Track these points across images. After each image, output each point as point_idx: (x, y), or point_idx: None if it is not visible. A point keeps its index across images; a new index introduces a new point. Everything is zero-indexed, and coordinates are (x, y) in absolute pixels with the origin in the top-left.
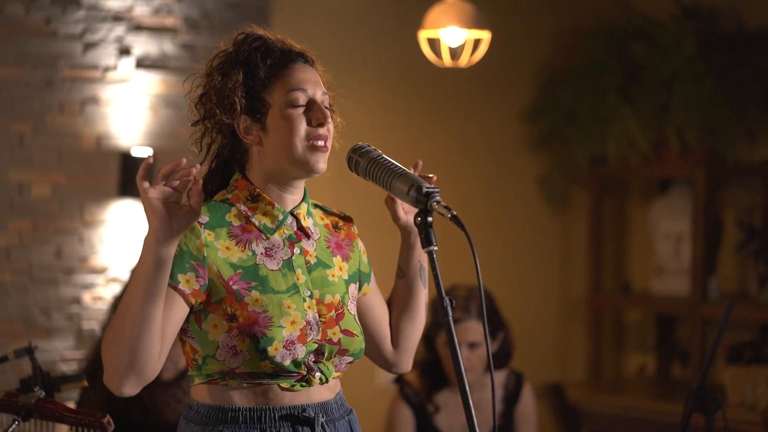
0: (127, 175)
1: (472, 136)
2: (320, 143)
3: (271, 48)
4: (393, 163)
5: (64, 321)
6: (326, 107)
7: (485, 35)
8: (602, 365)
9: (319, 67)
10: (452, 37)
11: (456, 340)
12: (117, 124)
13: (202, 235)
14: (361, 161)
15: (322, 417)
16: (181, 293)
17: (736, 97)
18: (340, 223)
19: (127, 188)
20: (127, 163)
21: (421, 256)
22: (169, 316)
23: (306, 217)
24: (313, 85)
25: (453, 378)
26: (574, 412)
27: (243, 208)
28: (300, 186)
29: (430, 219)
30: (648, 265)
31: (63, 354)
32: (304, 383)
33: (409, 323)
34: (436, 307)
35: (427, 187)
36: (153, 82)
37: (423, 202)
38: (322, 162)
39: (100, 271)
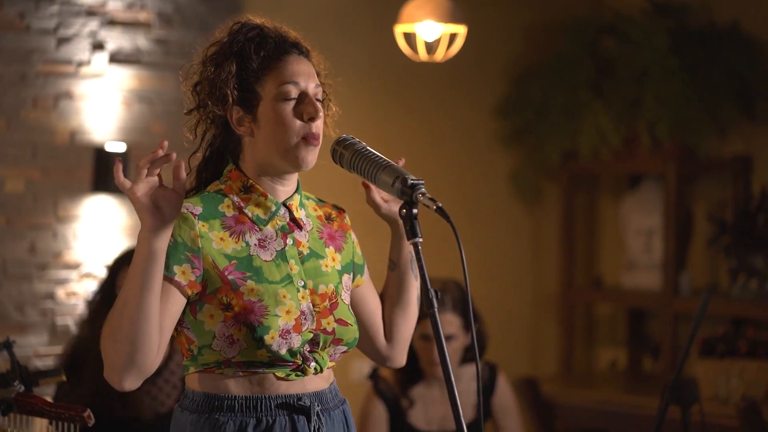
0: (101, 170)
1: (444, 131)
2: (312, 140)
3: (266, 39)
4: (377, 155)
5: (38, 316)
6: (318, 99)
7: (461, 29)
8: (574, 359)
9: (315, 57)
10: (428, 31)
11: (441, 332)
12: (91, 119)
13: (196, 226)
14: (345, 153)
15: (318, 406)
16: (178, 285)
17: (707, 93)
18: (333, 215)
19: (101, 183)
20: (101, 158)
21: (411, 248)
22: (166, 309)
23: (298, 209)
24: (305, 77)
25: (428, 372)
26: (548, 406)
27: (236, 199)
28: (292, 178)
29: (415, 211)
30: (619, 260)
31: (37, 350)
32: (299, 372)
33: (401, 316)
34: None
35: (412, 179)
36: (126, 77)
37: (408, 194)
38: (311, 157)
39: (74, 266)
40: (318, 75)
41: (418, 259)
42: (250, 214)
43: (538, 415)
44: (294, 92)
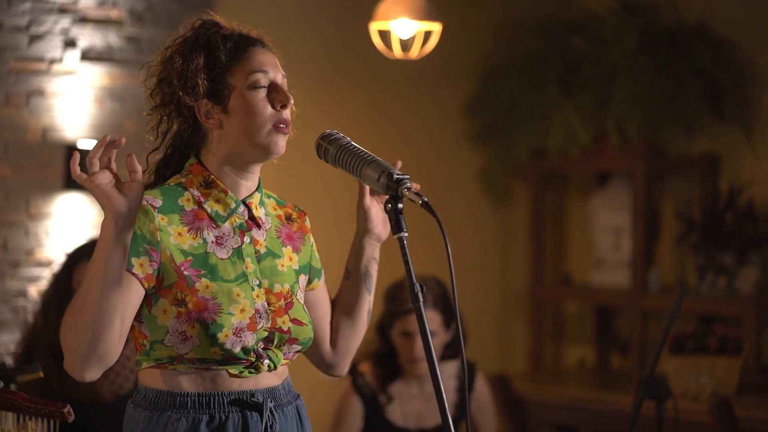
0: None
1: (414, 129)
2: (283, 126)
3: (230, 33)
4: (363, 150)
5: (10, 314)
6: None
7: (436, 27)
8: (543, 357)
9: (276, 53)
10: (403, 29)
11: (427, 327)
12: (63, 117)
13: (155, 219)
14: (330, 148)
15: (271, 402)
16: (135, 277)
17: (675, 91)
18: (294, 215)
19: (73, 181)
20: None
21: (369, 263)
22: (127, 301)
23: (258, 207)
24: (273, 67)
25: (408, 368)
26: (519, 402)
27: (196, 193)
28: (256, 172)
29: (400, 205)
30: (588, 258)
31: (9, 347)
32: (252, 370)
33: (349, 326)
34: (390, 297)
35: (397, 174)
36: (98, 75)
37: (394, 189)
38: (281, 143)
39: (46, 264)
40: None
41: (404, 254)
42: (209, 210)
43: (510, 412)
44: (264, 80)
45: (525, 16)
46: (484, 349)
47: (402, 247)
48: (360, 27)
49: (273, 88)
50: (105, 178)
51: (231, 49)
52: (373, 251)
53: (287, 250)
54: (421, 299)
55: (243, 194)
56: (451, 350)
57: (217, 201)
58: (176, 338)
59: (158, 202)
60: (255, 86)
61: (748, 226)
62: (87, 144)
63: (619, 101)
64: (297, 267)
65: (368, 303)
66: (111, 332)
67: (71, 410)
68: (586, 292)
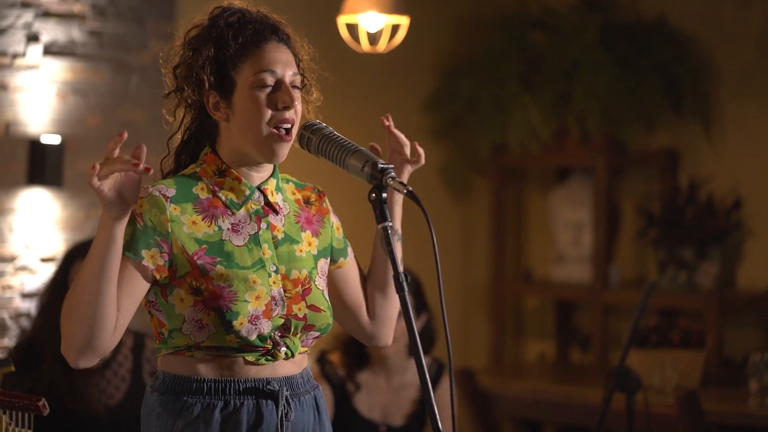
0: (36, 163)
1: (375, 124)
2: (284, 129)
3: (245, 25)
4: (346, 140)
5: None
6: (297, 87)
7: (404, 20)
8: (504, 351)
9: (296, 43)
10: (371, 22)
11: (412, 315)
12: (25, 112)
13: (167, 210)
14: (313, 138)
15: (287, 391)
16: (144, 269)
17: (635, 86)
18: (312, 198)
19: (36, 176)
20: (36, 150)
21: (396, 225)
22: (129, 292)
23: (274, 193)
24: (282, 65)
25: (375, 356)
26: (484, 396)
27: (210, 182)
28: (267, 165)
29: (384, 195)
30: (548, 253)
31: None
32: (269, 357)
33: (380, 293)
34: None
35: (381, 164)
36: (61, 69)
37: (378, 178)
38: (282, 150)
39: (9, 259)
40: (300, 61)
41: (388, 243)
42: (223, 198)
43: (475, 406)
44: (270, 80)
45: (485, 11)
46: (445, 343)
47: (386, 236)
48: (326, 20)
49: (277, 87)
50: (112, 183)
51: (242, 44)
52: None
53: (306, 235)
54: (406, 288)
55: (256, 182)
56: (421, 345)
57: (231, 189)
58: (193, 326)
59: (171, 192)
60: (260, 85)
61: (708, 221)
62: (50, 139)
63: (579, 97)
64: (316, 252)
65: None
66: (105, 324)
67: (46, 403)
68: (547, 287)
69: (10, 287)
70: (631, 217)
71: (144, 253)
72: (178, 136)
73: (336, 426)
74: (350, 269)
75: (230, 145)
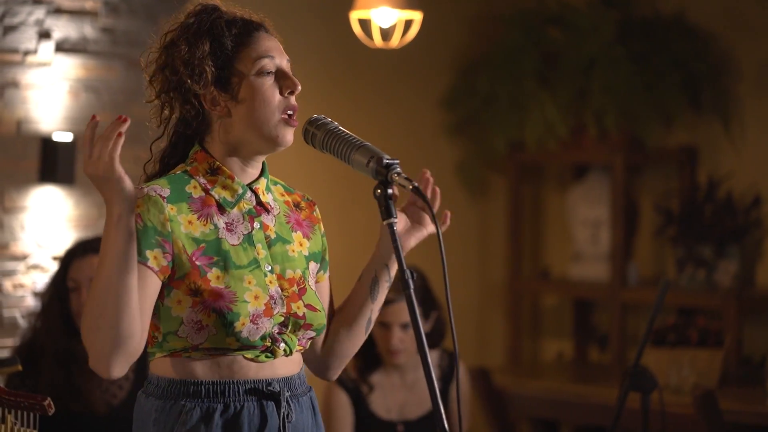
0: (48, 161)
1: (390, 121)
2: (290, 115)
3: (233, 18)
4: (351, 135)
5: None
6: None
7: (417, 16)
8: (521, 350)
9: (278, 37)
10: (384, 17)
11: (417, 312)
12: (37, 109)
13: (165, 209)
14: (318, 133)
15: (287, 392)
16: (151, 270)
17: (653, 83)
18: (302, 204)
19: (48, 174)
20: (48, 148)
21: (380, 270)
22: (145, 293)
23: (265, 192)
24: (278, 52)
25: (386, 359)
26: (500, 395)
27: (202, 180)
28: (260, 160)
29: (390, 191)
30: (566, 251)
31: None
32: (269, 354)
33: (346, 331)
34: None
35: (387, 159)
36: (73, 66)
37: (383, 174)
38: (289, 136)
39: (21, 258)
40: None
41: (394, 240)
42: (216, 196)
43: (491, 405)
44: (271, 66)
45: (502, 7)
46: (461, 342)
47: (392, 233)
48: (339, 17)
49: (280, 75)
50: (114, 170)
51: (236, 35)
52: (384, 257)
53: (297, 236)
54: (411, 285)
55: (247, 180)
56: (431, 340)
57: (224, 187)
58: (191, 328)
59: (166, 192)
60: (263, 72)
61: (727, 219)
62: (62, 136)
63: (596, 93)
64: (307, 253)
65: (370, 311)
66: (134, 325)
67: (51, 402)
68: (565, 285)
69: (21, 286)
70: (649, 214)
71: (148, 254)
72: (163, 141)
73: (355, 431)
74: (324, 287)
75: (227, 139)
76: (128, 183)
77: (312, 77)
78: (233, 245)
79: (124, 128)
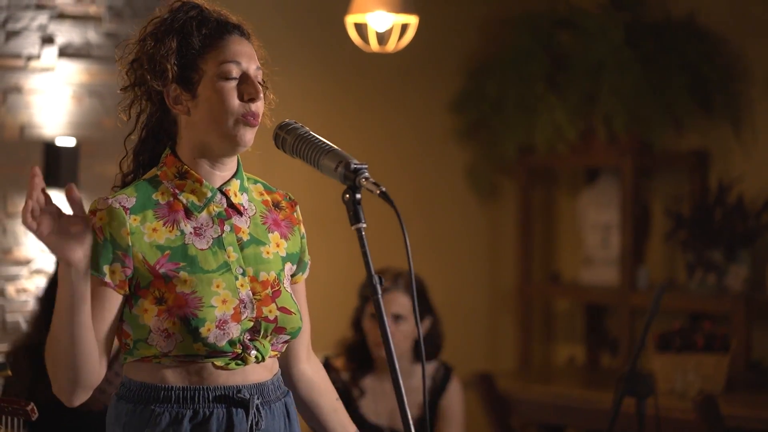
0: (52, 166)
1: (399, 126)
2: (250, 118)
3: (207, 17)
4: (321, 140)
5: None
6: (260, 83)
7: (413, 20)
8: (531, 355)
9: (255, 42)
10: (379, 21)
11: (386, 320)
12: (40, 114)
13: (127, 222)
14: (288, 138)
15: (258, 398)
16: (108, 285)
17: (663, 86)
18: (283, 204)
19: (52, 178)
20: (51, 153)
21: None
22: (103, 317)
23: (238, 193)
24: (247, 58)
25: (376, 354)
26: (503, 400)
27: (170, 185)
28: (230, 162)
29: (358, 196)
30: (577, 255)
31: None
32: (239, 361)
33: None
34: (365, 283)
35: (355, 164)
36: (76, 71)
37: (351, 179)
38: (249, 136)
39: (24, 262)
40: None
41: (362, 245)
42: (184, 201)
43: (494, 411)
44: (235, 71)
45: (511, 10)
46: (472, 347)
47: (360, 238)
48: (342, 21)
49: (243, 80)
50: (48, 227)
51: (206, 35)
52: None
53: (274, 237)
54: (379, 291)
55: (218, 183)
56: (426, 350)
57: (192, 191)
58: (159, 336)
59: (131, 202)
60: (225, 76)
61: (738, 223)
62: (65, 141)
63: (606, 96)
64: (284, 254)
65: None
66: (88, 365)
67: (35, 408)
68: (575, 289)
69: (24, 290)
70: (660, 218)
71: (105, 268)
72: (134, 136)
73: None
74: (300, 288)
75: (191, 140)
76: (68, 248)
77: (320, 82)
78: (201, 249)
79: (39, 181)
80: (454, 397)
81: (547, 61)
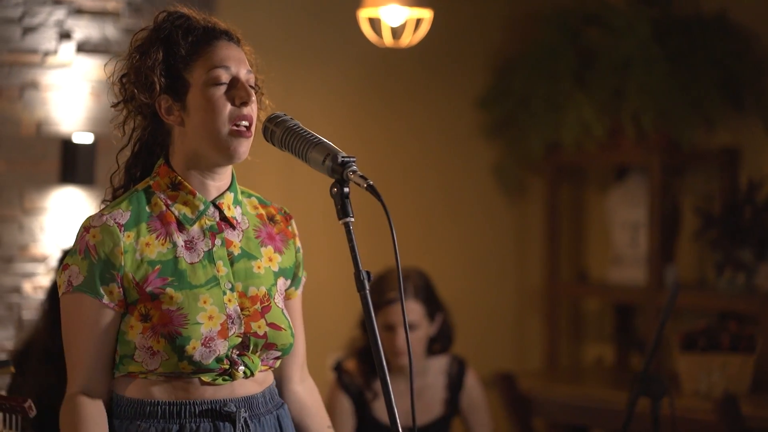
0: (68, 162)
1: (425, 123)
2: (243, 126)
3: (194, 25)
4: (309, 133)
5: (4, 310)
6: (252, 86)
7: (426, 14)
8: (559, 355)
9: (246, 47)
10: (393, 15)
11: (372, 315)
12: (58, 110)
13: (121, 241)
14: (276, 131)
15: (245, 412)
16: (106, 307)
17: (692, 83)
18: (277, 217)
19: (68, 175)
20: (68, 149)
21: None
22: (109, 339)
23: (231, 207)
24: (236, 62)
25: (392, 362)
26: (525, 400)
27: (163, 196)
28: (224, 172)
29: (346, 189)
30: (605, 254)
31: (2, 344)
32: (226, 377)
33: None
34: (372, 290)
35: (343, 156)
36: (94, 67)
37: (339, 172)
38: (243, 147)
39: (41, 259)
40: (250, 65)
41: (350, 240)
42: (176, 213)
43: (515, 411)
44: (225, 77)
45: (538, 6)
46: (498, 346)
47: (348, 232)
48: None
49: (233, 84)
50: None
51: (192, 42)
52: None
53: (267, 251)
54: (366, 287)
55: (213, 195)
56: (440, 345)
57: (185, 203)
58: (144, 353)
59: (125, 217)
60: (215, 83)
61: None
62: (82, 137)
63: (633, 93)
64: (277, 269)
65: None
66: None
67: (32, 405)
68: (603, 289)
69: (41, 287)
70: (690, 217)
71: (103, 290)
72: (127, 150)
73: None
74: (294, 304)
75: (184, 150)
76: None
77: (346, 79)
78: (191, 263)
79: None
80: (474, 390)
81: (574, 57)
